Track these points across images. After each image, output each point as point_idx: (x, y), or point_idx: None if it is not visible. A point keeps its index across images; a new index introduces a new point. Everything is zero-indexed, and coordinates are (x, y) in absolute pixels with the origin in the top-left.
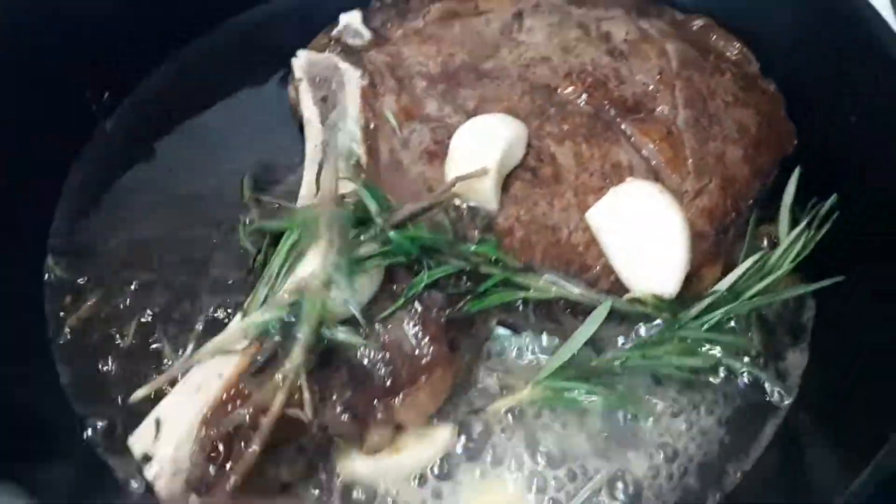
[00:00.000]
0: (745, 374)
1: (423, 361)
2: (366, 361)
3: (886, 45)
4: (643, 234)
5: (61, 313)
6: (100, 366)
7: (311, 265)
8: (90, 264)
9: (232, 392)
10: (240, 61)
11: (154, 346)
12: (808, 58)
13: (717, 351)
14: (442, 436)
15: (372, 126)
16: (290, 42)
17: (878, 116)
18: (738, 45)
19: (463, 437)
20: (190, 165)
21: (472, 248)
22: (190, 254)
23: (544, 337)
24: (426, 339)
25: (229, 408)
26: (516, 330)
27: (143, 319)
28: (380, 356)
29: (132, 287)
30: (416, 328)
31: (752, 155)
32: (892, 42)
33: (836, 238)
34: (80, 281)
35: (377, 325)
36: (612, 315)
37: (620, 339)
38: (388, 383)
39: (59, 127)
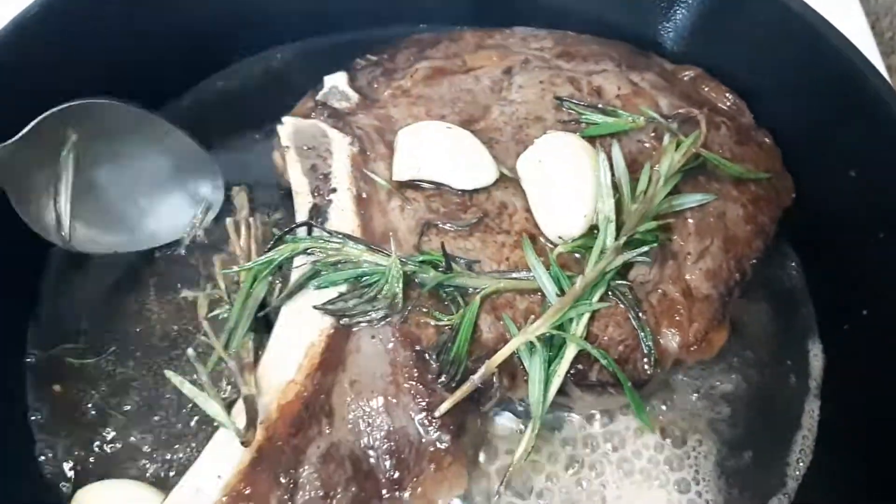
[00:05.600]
0: None
1: (431, 449)
2: (371, 453)
3: (882, 95)
4: (559, 181)
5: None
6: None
7: None
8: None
9: (234, 494)
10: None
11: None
12: (800, 106)
13: None
14: None
15: (364, 195)
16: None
17: (877, 171)
18: (730, 96)
19: None
20: None
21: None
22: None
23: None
24: (432, 426)
25: None
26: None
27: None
28: (385, 446)
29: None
30: (422, 414)
31: (753, 212)
32: (889, 94)
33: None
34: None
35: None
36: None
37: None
38: (395, 475)
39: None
